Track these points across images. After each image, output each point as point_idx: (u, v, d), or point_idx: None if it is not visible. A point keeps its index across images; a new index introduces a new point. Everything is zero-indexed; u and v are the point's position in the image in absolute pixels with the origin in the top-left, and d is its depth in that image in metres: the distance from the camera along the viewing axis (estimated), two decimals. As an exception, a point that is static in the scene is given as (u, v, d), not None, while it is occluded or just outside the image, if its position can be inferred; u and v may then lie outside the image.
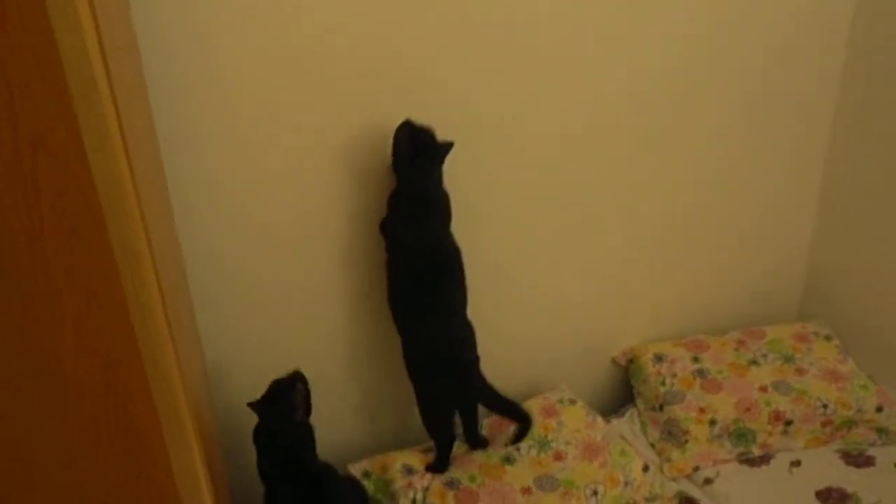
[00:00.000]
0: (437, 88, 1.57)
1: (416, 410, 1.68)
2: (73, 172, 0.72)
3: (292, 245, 1.60)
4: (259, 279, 1.60)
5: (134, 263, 0.79)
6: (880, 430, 1.85)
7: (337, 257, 1.65)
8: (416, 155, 1.48)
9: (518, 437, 1.72)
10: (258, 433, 1.45)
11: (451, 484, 1.62)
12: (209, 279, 1.55)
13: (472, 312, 1.63)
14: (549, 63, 1.66)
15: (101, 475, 0.92)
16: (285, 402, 1.44)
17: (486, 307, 1.69)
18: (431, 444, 1.70)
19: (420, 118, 1.48)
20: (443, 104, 1.57)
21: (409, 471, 1.64)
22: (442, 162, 1.51)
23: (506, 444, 1.71)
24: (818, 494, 1.67)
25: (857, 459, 1.77)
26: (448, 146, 1.50)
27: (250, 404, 1.43)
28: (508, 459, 1.68)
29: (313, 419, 1.48)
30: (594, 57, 1.70)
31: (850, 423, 1.86)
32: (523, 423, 1.72)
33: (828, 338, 2.07)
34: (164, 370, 0.88)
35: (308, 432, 1.47)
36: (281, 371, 1.48)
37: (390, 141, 1.48)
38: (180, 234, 1.47)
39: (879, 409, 1.87)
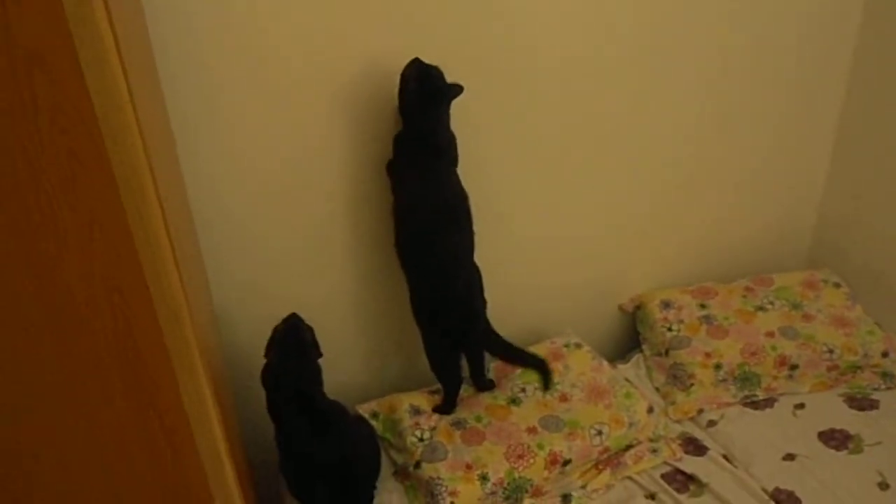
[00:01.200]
0: (439, 24, 1.55)
1: (423, 354, 1.69)
2: (69, 90, 0.71)
3: (296, 189, 1.60)
4: (263, 223, 1.60)
5: (136, 187, 0.79)
6: (885, 375, 1.86)
7: (341, 200, 1.64)
8: (424, 96, 1.46)
9: (546, 383, 1.74)
10: (267, 374, 1.47)
11: (457, 424, 1.64)
12: (214, 224, 1.56)
13: (479, 258, 1.64)
14: (554, 1, 1.63)
15: (108, 402, 0.94)
16: (296, 343, 1.45)
17: (492, 254, 1.70)
18: (438, 386, 1.72)
19: (421, 55, 1.46)
20: (444, 42, 1.55)
21: (416, 411, 1.67)
22: (449, 104, 1.50)
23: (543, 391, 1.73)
24: (821, 435, 1.68)
25: (861, 403, 1.78)
26: (458, 89, 1.48)
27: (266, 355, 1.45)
28: (514, 401, 1.70)
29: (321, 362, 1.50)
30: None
31: (855, 368, 1.86)
32: (536, 367, 1.74)
33: (836, 285, 2.06)
34: (170, 297, 0.88)
35: (317, 371, 1.48)
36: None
37: (393, 80, 1.47)
38: (186, 178, 1.47)
39: (885, 355, 1.87)
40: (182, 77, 1.39)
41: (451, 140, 1.54)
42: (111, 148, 0.76)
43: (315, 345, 1.46)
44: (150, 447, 0.99)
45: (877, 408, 1.76)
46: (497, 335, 1.68)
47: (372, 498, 1.54)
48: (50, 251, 0.82)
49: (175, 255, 0.89)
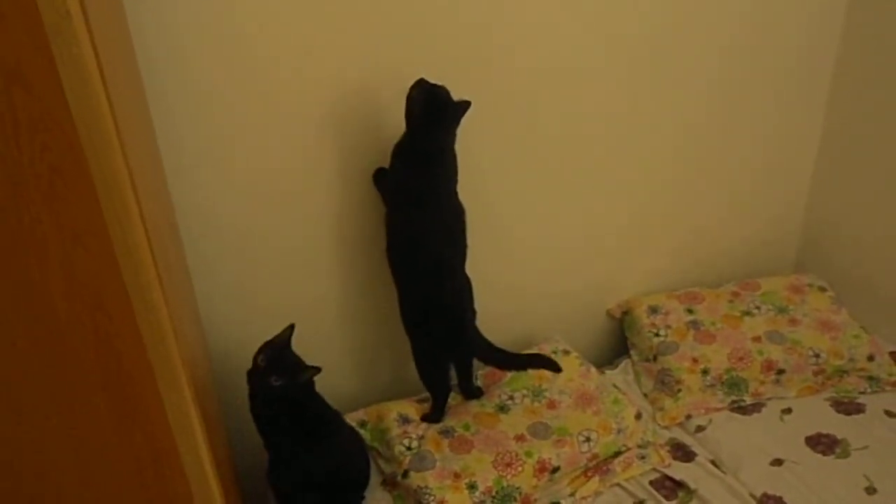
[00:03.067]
0: (430, 30, 1.55)
1: (412, 362, 1.69)
2: (50, 107, 0.71)
3: (284, 196, 1.59)
4: (250, 230, 1.59)
5: (118, 202, 0.79)
6: (871, 379, 1.87)
7: (330, 207, 1.64)
8: (430, 118, 1.45)
9: (554, 369, 1.67)
10: (256, 396, 1.45)
11: (446, 432, 1.64)
12: (201, 232, 1.55)
13: (469, 265, 1.63)
14: (543, 5, 1.63)
15: (93, 418, 0.93)
16: (287, 363, 1.43)
17: (482, 260, 1.69)
18: (426, 394, 1.72)
19: (412, 59, 1.46)
20: (435, 48, 1.56)
21: (404, 420, 1.66)
22: (458, 124, 1.49)
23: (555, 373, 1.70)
24: (808, 440, 1.69)
25: (848, 407, 1.79)
26: (464, 106, 1.47)
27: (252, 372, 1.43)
28: (502, 408, 1.70)
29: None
30: None
31: (841, 372, 1.87)
32: (534, 364, 1.71)
33: (822, 289, 2.08)
34: (154, 313, 0.88)
35: (310, 383, 1.47)
36: (276, 323, 1.48)
37: (387, 85, 1.46)
38: (170, 185, 1.46)
39: (871, 359, 1.88)
40: (168, 86, 1.39)
41: (454, 157, 1.54)
42: (93, 163, 0.75)
43: (300, 367, 1.44)
44: (134, 463, 0.98)
45: (863, 412, 1.77)
46: (488, 343, 1.68)
47: (361, 508, 1.54)
48: (32, 268, 0.81)
49: (158, 269, 0.88)
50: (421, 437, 1.61)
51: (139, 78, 1.31)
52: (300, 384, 1.42)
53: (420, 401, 1.74)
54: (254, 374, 1.41)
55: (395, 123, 1.51)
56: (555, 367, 1.66)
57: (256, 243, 1.61)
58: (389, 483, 1.61)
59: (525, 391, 1.75)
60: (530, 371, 1.78)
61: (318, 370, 1.43)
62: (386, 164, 1.57)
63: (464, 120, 1.54)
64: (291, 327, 1.45)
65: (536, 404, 1.72)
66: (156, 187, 1.21)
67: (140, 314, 0.87)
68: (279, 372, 1.39)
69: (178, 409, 0.95)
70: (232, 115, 1.47)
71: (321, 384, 1.52)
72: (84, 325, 0.86)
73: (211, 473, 1.03)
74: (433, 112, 1.45)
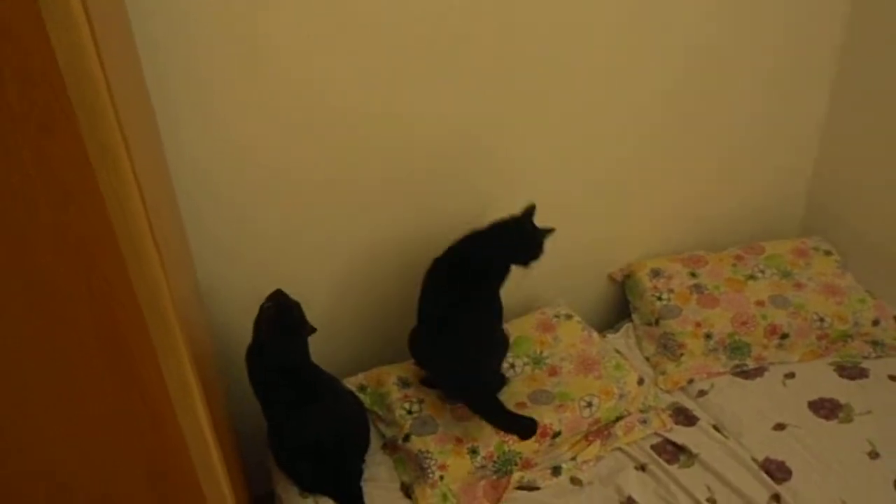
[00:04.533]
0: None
1: (407, 329, 1.67)
2: (37, 61, 0.67)
3: (284, 164, 1.57)
4: (250, 198, 1.57)
5: (110, 161, 0.76)
6: (875, 344, 1.86)
7: (327, 178, 1.61)
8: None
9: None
10: (254, 354, 1.44)
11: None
12: (199, 200, 1.52)
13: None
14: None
15: (89, 381, 0.91)
16: (287, 322, 1.42)
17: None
18: None
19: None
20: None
21: (404, 383, 1.65)
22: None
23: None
24: (811, 405, 1.68)
25: (851, 372, 1.78)
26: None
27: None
28: (504, 377, 1.69)
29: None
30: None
31: (845, 337, 1.86)
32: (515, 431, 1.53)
33: (827, 253, 2.06)
34: (148, 273, 0.85)
35: (305, 346, 1.46)
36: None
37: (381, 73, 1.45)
38: (168, 154, 1.43)
39: (876, 323, 1.87)
40: (164, 48, 1.35)
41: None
42: (83, 120, 0.72)
43: (305, 322, 1.43)
44: (132, 427, 0.97)
45: (867, 377, 1.76)
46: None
47: (361, 472, 1.53)
48: (23, 229, 0.79)
49: (153, 231, 0.86)
50: (422, 401, 1.60)
51: (130, 32, 1.26)
52: (300, 340, 1.43)
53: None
54: (260, 321, 1.41)
55: (387, 98, 1.52)
56: (528, 433, 1.51)
57: (255, 213, 1.59)
58: (390, 447, 1.61)
59: (526, 359, 1.74)
60: (531, 335, 1.77)
61: (314, 329, 1.43)
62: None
63: (460, 82, 1.51)
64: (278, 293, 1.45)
65: (538, 371, 1.71)
66: (150, 148, 1.18)
67: (135, 276, 0.85)
68: (285, 321, 1.40)
69: (176, 372, 0.94)
70: (231, 81, 1.43)
71: (320, 349, 1.51)
72: (78, 286, 0.84)
73: (210, 438, 1.02)
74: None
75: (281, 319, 1.40)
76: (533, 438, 1.53)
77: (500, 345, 1.66)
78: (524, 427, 1.49)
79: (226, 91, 1.44)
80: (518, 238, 1.58)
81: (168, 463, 1.02)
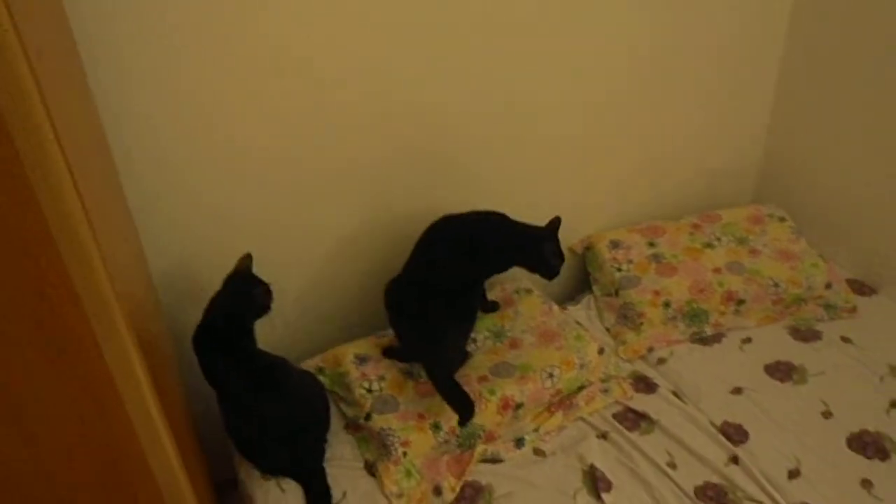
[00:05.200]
0: None
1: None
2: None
3: (240, 152, 1.53)
4: (204, 177, 1.53)
5: (34, 140, 0.72)
6: (828, 307, 1.89)
7: (292, 157, 1.58)
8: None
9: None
10: (199, 336, 1.42)
11: (409, 374, 1.62)
12: (154, 185, 1.48)
13: (429, 200, 1.62)
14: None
15: (28, 371, 0.88)
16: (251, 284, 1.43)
17: (441, 196, 1.66)
18: (385, 332, 1.71)
19: None
20: None
21: (361, 360, 1.64)
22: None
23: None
24: (766, 368, 1.71)
25: (805, 334, 1.81)
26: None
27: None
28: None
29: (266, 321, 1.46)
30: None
31: (799, 301, 1.89)
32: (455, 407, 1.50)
33: (782, 219, 2.08)
34: (86, 261, 0.82)
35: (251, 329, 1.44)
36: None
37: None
38: (115, 135, 1.38)
39: (828, 286, 1.90)
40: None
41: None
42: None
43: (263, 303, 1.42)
44: (77, 416, 0.94)
45: (820, 339, 1.80)
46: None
47: (323, 452, 1.52)
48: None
49: (89, 217, 0.82)
50: (382, 379, 1.59)
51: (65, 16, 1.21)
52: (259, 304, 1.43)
53: (378, 338, 1.72)
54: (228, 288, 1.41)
55: (337, 79, 1.50)
56: (464, 416, 1.49)
57: (208, 194, 1.55)
58: (352, 426, 1.59)
59: (487, 333, 1.73)
60: (493, 312, 1.78)
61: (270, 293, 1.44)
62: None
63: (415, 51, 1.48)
64: (249, 257, 1.45)
65: (499, 345, 1.71)
66: (82, 119, 1.13)
67: (72, 264, 0.81)
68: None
69: (120, 360, 0.91)
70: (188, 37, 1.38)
71: (279, 335, 1.49)
72: (13, 278, 0.80)
73: (160, 425, 0.99)
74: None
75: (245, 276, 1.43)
76: (496, 410, 1.53)
77: (470, 321, 1.67)
78: (464, 406, 1.48)
79: (187, 61, 1.40)
80: (537, 254, 1.59)
81: (118, 451, 0.99)
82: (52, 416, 0.93)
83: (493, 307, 1.80)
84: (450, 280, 1.57)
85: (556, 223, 1.60)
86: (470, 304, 1.67)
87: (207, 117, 1.47)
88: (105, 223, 0.99)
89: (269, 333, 1.50)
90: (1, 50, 0.68)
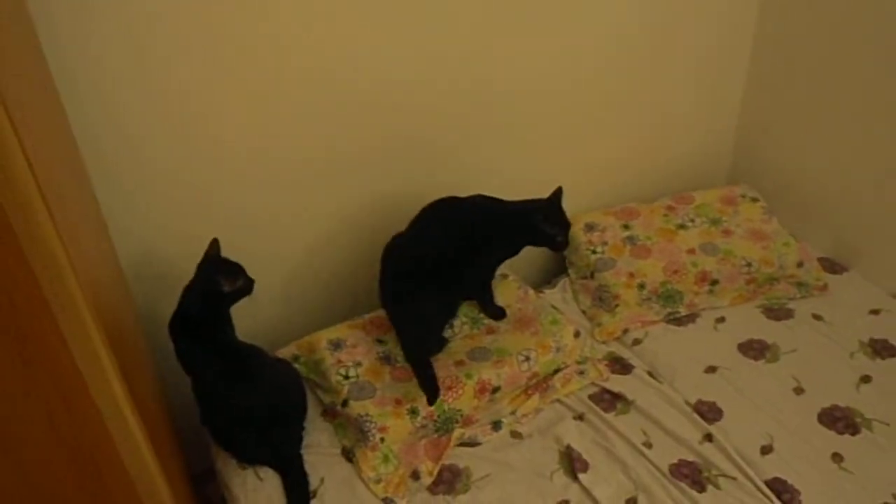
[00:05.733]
0: None
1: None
2: None
3: (215, 143, 1.52)
4: (172, 160, 1.51)
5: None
6: (800, 285, 1.91)
7: (262, 150, 1.57)
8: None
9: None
10: (174, 322, 1.41)
11: (386, 359, 1.62)
12: (122, 168, 1.46)
13: (407, 187, 1.65)
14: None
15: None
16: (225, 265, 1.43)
17: (423, 183, 1.66)
18: (357, 317, 1.73)
19: None
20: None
21: (336, 346, 1.63)
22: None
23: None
24: (740, 346, 1.73)
25: (778, 313, 1.84)
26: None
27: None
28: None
29: (246, 305, 1.45)
30: None
31: (772, 280, 1.91)
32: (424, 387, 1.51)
33: (754, 200, 2.10)
34: (48, 255, 0.80)
35: (226, 313, 1.43)
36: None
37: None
38: (82, 126, 1.36)
39: (800, 265, 1.92)
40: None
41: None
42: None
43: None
44: (45, 409, 0.92)
45: (792, 317, 1.82)
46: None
47: (301, 439, 1.52)
48: None
49: (51, 212, 0.80)
50: (358, 365, 1.59)
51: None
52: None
53: (352, 325, 1.71)
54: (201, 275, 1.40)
55: (316, 69, 1.49)
56: (432, 398, 1.49)
57: (180, 180, 1.53)
58: (329, 413, 1.59)
59: (465, 318, 1.74)
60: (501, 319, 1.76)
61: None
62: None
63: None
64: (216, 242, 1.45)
65: (475, 331, 1.71)
66: (47, 115, 1.11)
67: (33, 259, 0.80)
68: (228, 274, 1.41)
69: (86, 352, 0.89)
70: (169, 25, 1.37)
71: (252, 321, 1.48)
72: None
73: (130, 416, 0.98)
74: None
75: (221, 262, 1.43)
76: (473, 394, 1.53)
77: (453, 314, 1.69)
78: (432, 390, 1.48)
79: (162, 51, 1.38)
80: (530, 227, 1.58)
81: (90, 448, 0.98)
82: (20, 415, 0.92)
83: (501, 314, 1.74)
84: (444, 265, 1.55)
85: (557, 193, 1.59)
86: (458, 295, 1.68)
87: (182, 109, 1.46)
88: (69, 215, 0.97)
89: (249, 325, 1.49)
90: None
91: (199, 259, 1.44)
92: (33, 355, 0.87)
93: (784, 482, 1.41)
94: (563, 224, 1.59)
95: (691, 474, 1.44)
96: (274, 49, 1.48)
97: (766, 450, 1.48)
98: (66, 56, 1.30)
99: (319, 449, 1.52)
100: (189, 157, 1.51)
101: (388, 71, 1.62)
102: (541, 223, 1.57)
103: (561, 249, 1.63)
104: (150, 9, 1.34)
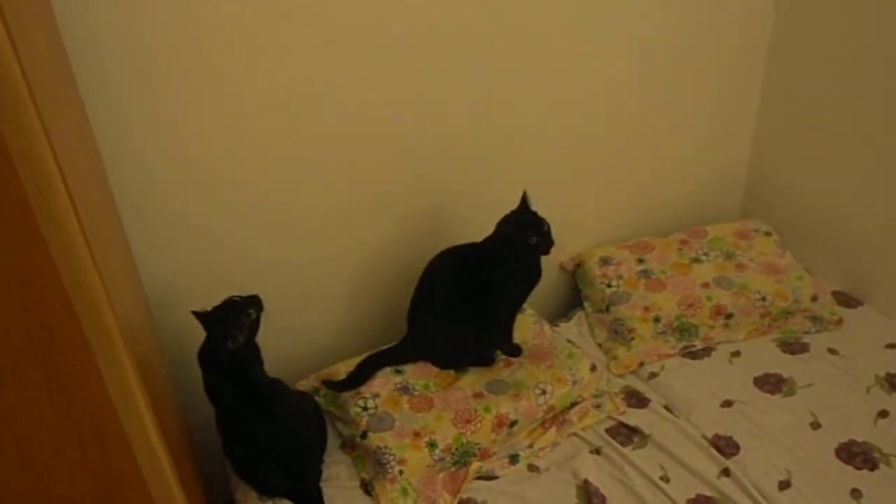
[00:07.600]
0: None
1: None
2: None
3: (229, 173, 1.56)
4: (194, 200, 1.55)
5: (38, 175, 0.74)
6: (815, 319, 1.92)
7: (276, 182, 1.61)
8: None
9: None
10: (203, 353, 1.43)
11: (405, 389, 1.64)
12: (144, 207, 1.50)
13: (425, 221, 1.68)
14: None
15: (27, 397, 0.89)
16: (232, 322, 1.41)
17: (434, 217, 1.69)
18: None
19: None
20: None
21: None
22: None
23: None
24: (756, 380, 1.74)
25: (793, 347, 1.84)
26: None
27: (195, 313, 1.41)
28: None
29: (264, 340, 1.47)
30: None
31: (786, 314, 1.92)
32: None
33: (767, 234, 2.12)
34: (84, 284, 0.83)
35: (254, 350, 1.45)
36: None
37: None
38: (110, 160, 1.41)
39: (814, 299, 1.93)
40: (105, 44, 1.32)
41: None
42: (6, 131, 0.70)
43: (252, 328, 1.43)
44: (78, 443, 0.95)
45: (808, 350, 1.83)
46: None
47: (320, 473, 1.53)
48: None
49: (89, 242, 0.84)
50: (376, 397, 1.60)
51: (58, 32, 1.23)
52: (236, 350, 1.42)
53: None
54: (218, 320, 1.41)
55: (320, 114, 1.53)
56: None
57: (200, 216, 1.57)
58: (348, 445, 1.60)
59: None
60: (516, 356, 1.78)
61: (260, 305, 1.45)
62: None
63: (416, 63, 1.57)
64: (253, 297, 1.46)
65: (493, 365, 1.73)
66: (82, 151, 1.15)
67: (71, 288, 0.83)
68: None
69: (120, 384, 0.92)
70: (177, 69, 1.41)
71: (273, 352, 1.51)
72: (10, 301, 0.82)
73: (160, 448, 1.00)
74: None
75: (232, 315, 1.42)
76: (491, 428, 1.55)
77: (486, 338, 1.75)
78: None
79: (177, 93, 1.43)
80: (506, 242, 1.60)
81: (118, 477, 1.00)
82: (52, 440, 0.94)
83: (517, 352, 1.75)
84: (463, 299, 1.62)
85: (522, 198, 1.61)
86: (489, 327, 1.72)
87: (195, 149, 1.50)
88: (99, 233, 1.01)
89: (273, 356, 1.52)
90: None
91: (218, 287, 1.47)
92: (68, 386, 0.90)
93: (803, 518, 1.41)
94: (534, 224, 1.58)
95: (709, 509, 1.44)
96: (287, 114, 1.54)
97: (783, 485, 1.48)
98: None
99: (338, 482, 1.53)
100: (218, 210, 1.57)
101: (398, 126, 1.68)
102: (510, 233, 1.58)
103: (545, 251, 1.60)
104: (165, 75, 1.40)
